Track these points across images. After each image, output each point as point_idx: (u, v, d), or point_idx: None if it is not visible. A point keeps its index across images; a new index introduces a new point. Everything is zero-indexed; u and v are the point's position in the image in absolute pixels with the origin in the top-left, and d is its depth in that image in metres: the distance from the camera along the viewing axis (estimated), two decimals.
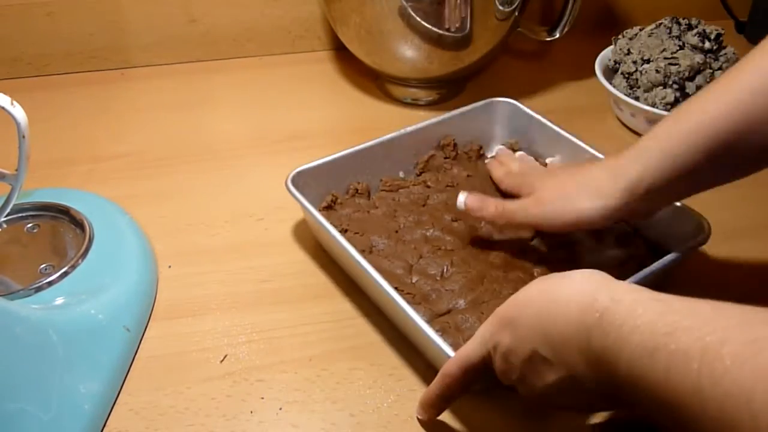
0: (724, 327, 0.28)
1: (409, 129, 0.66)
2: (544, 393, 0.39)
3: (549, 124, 0.67)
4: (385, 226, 0.59)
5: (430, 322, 0.50)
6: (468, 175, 0.65)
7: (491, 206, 0.55)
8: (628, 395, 0.33)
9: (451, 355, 0.44)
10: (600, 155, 0.61)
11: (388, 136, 0.64)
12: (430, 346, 0.46)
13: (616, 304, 0.34)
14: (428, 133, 0.67)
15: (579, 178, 0.52)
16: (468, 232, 0.59)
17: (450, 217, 0.60)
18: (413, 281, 0.55)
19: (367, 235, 0.58)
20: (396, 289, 0.50)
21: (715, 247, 0.58)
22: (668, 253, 0.52)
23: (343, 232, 0.58)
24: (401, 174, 0.66)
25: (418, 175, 0.66)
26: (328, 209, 0.61)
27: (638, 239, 0.58)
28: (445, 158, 0.67)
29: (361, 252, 0.54)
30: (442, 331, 0.50)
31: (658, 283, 0.53)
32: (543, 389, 0.39)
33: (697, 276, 0.58)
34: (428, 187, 0.64)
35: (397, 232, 0.59)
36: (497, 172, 0.64)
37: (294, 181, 0.58)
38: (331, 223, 0.56)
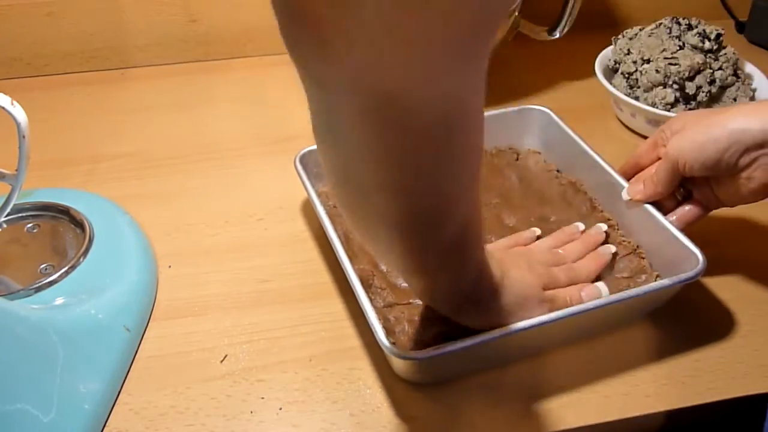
0: None
1: None
2: None
3: (577, 139, 0.64)
4: None
5: (387, 307, 0.52)
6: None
7: (649, 186, 0.56)
8: None
9: (383, 341, 0.45)
10: (625, 183, 0.58)
11: None
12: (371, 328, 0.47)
13: None
14: None
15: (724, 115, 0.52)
16: None
17: None
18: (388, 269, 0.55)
19: None
20: (366, 270, 0.52)
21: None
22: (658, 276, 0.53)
23: None
24: None
25: None
26: None
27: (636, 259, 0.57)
28: None
29: None
30: (395, 319, 0.51)
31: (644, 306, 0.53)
32: None
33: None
34: None
35: None
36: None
37: (302, 161, 0.61)
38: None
